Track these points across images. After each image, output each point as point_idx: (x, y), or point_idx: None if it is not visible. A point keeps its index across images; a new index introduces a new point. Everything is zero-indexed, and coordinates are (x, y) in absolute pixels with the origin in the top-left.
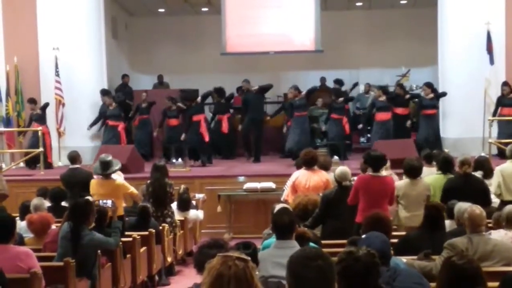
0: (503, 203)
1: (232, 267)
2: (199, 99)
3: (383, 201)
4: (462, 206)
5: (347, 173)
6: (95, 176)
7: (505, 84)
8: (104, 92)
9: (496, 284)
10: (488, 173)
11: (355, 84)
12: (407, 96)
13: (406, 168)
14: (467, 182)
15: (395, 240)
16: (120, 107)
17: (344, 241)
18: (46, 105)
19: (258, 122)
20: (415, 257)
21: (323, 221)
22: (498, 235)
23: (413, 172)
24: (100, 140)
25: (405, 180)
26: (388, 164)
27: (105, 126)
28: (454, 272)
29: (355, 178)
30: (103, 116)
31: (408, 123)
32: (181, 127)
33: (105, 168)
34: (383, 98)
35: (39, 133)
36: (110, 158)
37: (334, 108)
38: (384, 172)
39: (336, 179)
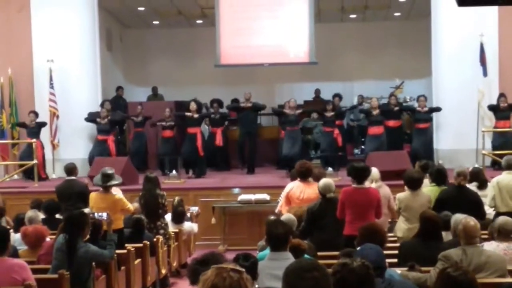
0: (498, 214)
1: (226, 278)
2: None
3: (369, 212)
4: (459, 218)
5: (330, 185)
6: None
7: (502, 95)
8: (101, 104)
9: None
10: (483, 184)
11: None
12: (396, 108)
13: (407, 180)
14: (461, 194)
15: (392, 252)
16: (112, 124)
17: (338, 253)
18: (43, 124)
19: (252, 135)
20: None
21: (309, 234)
22: (490, 247)
23: (414, 184)
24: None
25: (406, 192)
26: (379, 176)
27: (95, 140)
28: (449, 284)
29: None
30: (89, 119)
31: None
32: (175, 139)
33: (106, 181)
34: (377, 111)
35: (33, 145)
36: (112, 171)
37: (325, 121)
38: (374, 184)
39: (320, 191)
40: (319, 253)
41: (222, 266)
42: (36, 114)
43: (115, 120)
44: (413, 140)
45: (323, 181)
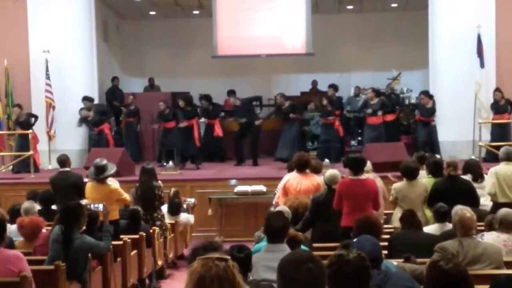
0: (496, 205)
1: (212, 267)
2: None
3: (366, 204)
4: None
5: (336, 176)
6: (85, 180)
7: (497, 90)
8: (83, 99)
9: (486, 287)
10: (477, 177)
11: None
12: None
13: (403, 170)
14: (453, 184)
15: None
16: (100, 114)
17: (335, 244)
18: (35, 117)
19: (250, 124)
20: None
21: (313, 224)
22: (490, 238)
23: (410, 174)
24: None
25: (402, 182)
26: (370, 167)
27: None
28: (441, 277)
29: None
30: (81, 121)
31: None
32: (177, 131)
33: (99, 173)
34: (375, 100)
35: (29, 136)
36: (104, 162)
37: (323, 114)
38: (369, 175)
39: (326, 182)
40: (318, 245)
41: (207, 257)
42: (20, 107)
43: (100, 111)
44: (417, 132)
45: (330, 172)
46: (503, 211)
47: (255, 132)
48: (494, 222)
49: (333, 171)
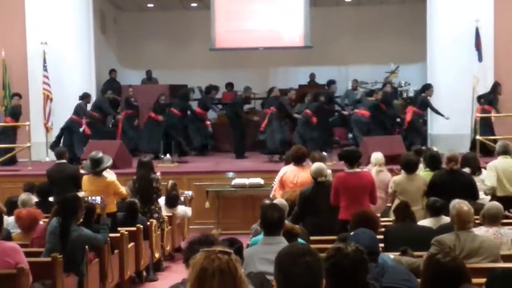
0: (496, 198)
1: (215, 260)
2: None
3: (363, 197)
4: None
5: (322, 169)
6: (82, 171)
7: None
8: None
9: (483, 280)
10: (475, 170)
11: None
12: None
13: (403, 163)
14: (453, 178)
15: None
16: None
17: (332, 237)
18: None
19: (232, 119)
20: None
21: (302, 218)
22: (479, 233)
23: (411, 167)
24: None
25: (402, 176)
26: (383, 160)
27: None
28: (438, 270)
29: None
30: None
31: None
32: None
33: (95, 166)
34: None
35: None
36: (100, 155)
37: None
38: (374, 168)
39: (312, 175)
40: (315, 237)
41: (210, 249)
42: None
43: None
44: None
45: (315, 165)
46: (488, 206)
47: (234, 124)
48: (480, 218)
49: (319, 164)
